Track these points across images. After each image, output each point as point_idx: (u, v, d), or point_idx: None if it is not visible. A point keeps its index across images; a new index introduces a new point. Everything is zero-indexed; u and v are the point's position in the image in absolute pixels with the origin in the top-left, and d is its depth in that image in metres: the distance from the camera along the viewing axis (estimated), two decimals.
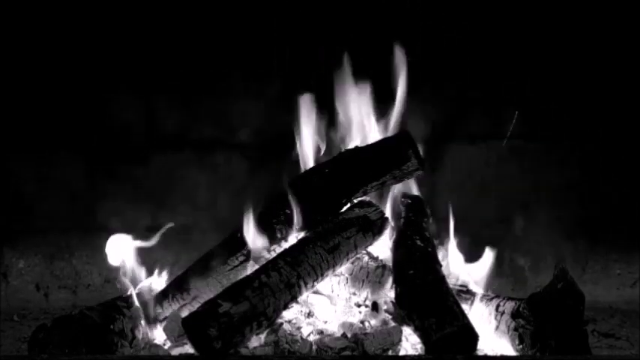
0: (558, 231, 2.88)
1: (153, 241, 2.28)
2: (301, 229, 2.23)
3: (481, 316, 2.11)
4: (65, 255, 2.93)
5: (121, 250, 2.24)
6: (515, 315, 1.99)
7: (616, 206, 2.93)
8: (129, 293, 2.17)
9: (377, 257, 2.29)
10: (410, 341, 2.05)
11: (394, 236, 2.30)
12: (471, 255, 2.34)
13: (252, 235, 2.19)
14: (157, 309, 2.17)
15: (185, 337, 1.94)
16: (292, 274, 2.02)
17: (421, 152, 2.31)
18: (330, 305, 2.22)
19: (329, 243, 2.13)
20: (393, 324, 2.10)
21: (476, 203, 2.86)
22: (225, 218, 2.66)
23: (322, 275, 2.10)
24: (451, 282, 2.22)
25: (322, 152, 2.46)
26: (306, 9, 2.80)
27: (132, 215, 2.86)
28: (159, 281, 2.29)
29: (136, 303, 2.15)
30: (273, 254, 2.17)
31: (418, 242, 2.21)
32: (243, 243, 2.22)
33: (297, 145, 2.47)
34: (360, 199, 2.31)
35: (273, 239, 2.21)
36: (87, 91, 2.86)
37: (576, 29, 2.84)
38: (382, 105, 2.46)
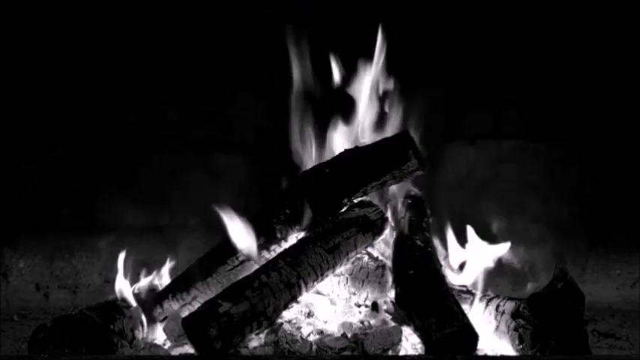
0: (558, 231, 2.88)
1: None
2: (301, 229, 2.23)
3: (481, 316, 2.11)
4: (65, 255, 2.93)
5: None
6: (515, 315, 1.99)
7: (616, 206, 2.93)
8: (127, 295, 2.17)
9: (377, 257, 2.29)
10: (410, 341, 2.05)
11: (394, 236, 2.30)
12: (471, 255, 2.34)
13: (242, 236, 2.18)
14: (157, 309, 2.17)
15: (185, 337, 1.93)
16: (292, 274, 2.02)
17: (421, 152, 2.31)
18: (330, 305, 2.22)
19: (329, 243, 2.13)
20: (393, 324, 2.10)
21: (475, 203, 2.85)
22: None
23: (322, 275, 2.10)
24: (451, 282, 2.22)
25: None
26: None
27: (132, 215, 2.87)
28: (159, 281, 2.29)
29: (136, 303, 2.15)
30: (273, 254, 2.17)
31: (418, 242, 2.21)
32: None
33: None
34: (360, 199, 2.31)
35: (273, 239, 2.21)
36: (87, 91, 2.86)
37: (577, 28, 2.84)
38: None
